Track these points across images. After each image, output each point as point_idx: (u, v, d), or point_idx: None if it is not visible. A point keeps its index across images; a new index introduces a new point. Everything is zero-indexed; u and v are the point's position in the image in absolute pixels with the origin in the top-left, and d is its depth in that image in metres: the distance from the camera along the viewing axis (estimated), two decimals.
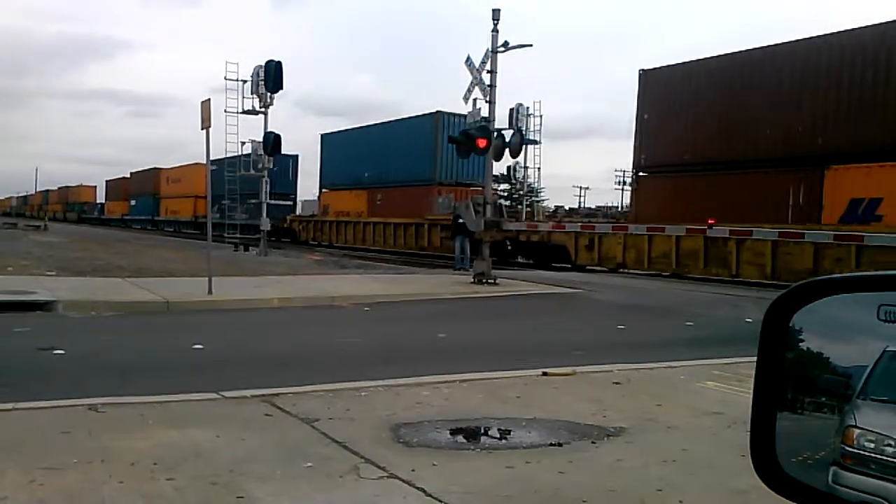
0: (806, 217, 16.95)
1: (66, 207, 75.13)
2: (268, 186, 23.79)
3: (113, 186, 66.71)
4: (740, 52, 19.19)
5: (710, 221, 18.43)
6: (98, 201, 71.37)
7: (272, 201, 26.15)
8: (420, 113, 25.77)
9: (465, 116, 17.50)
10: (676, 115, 20.30)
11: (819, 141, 16.98)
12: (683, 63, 20.50)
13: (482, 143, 15.48)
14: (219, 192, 31.14)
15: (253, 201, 26.19)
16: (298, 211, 37.39)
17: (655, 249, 19.33)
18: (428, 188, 26.14)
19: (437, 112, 26.19)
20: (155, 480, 3.71)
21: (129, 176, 60.63)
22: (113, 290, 12.24)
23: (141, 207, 55.01)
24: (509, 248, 22.48)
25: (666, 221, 18.80)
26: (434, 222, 25.27)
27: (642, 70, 21.70)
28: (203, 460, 4.03)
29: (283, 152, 25.00)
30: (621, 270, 20.40)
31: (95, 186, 73.59)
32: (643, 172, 22.01)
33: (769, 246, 16.58)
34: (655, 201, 20.78)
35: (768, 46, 18.35)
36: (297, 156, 35.95)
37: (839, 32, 17.13)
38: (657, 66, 21.47)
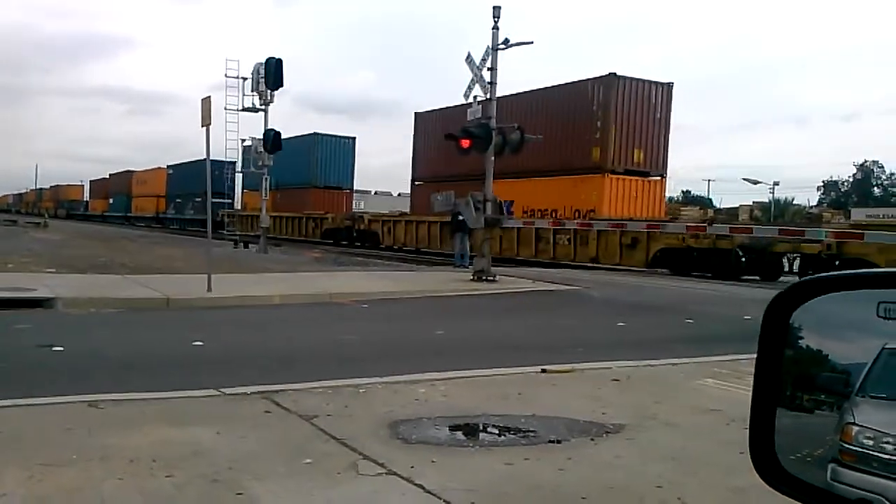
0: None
1: (57, 205, 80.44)
2: (224, 184, 33.69)
3: (95, 186, 75.77)
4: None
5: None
6: (84, 199, 79.99)
7: (214, 199, 31.39)
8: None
9: (334, 137, 27.07)
10: (432, 143, 27.11)
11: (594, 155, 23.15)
12: (441, 109, 28.00)
13: (483, 140, 15.49)
14: (175, 192, 50.38)
15: (198, 200, 42.06)
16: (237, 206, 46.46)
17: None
18: (306, 189, 38.59)
19: (314, 133, 38.25)
20: (154, 477, 3.71)
21: (108, 177, 70.31)
22: (113, 287, 12.23)
23: (117, 205, 63.88)
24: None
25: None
26: (309, 216, 36.55)
27: (416, 112, 31.73)
28: (203, 457, 4.03)
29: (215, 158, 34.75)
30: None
31: (83, 185, 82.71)
32: (417, 182, 31.60)
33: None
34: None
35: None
36: (234, 162, 40.39)
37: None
38: (427, 109, 30.97)
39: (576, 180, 23.26)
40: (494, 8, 15.55)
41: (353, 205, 41.09)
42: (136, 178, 61.03)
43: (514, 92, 22.28)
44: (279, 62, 23.66)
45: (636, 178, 23.36)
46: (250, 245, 26.81)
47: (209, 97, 12.03)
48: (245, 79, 24.88)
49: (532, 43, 15.99)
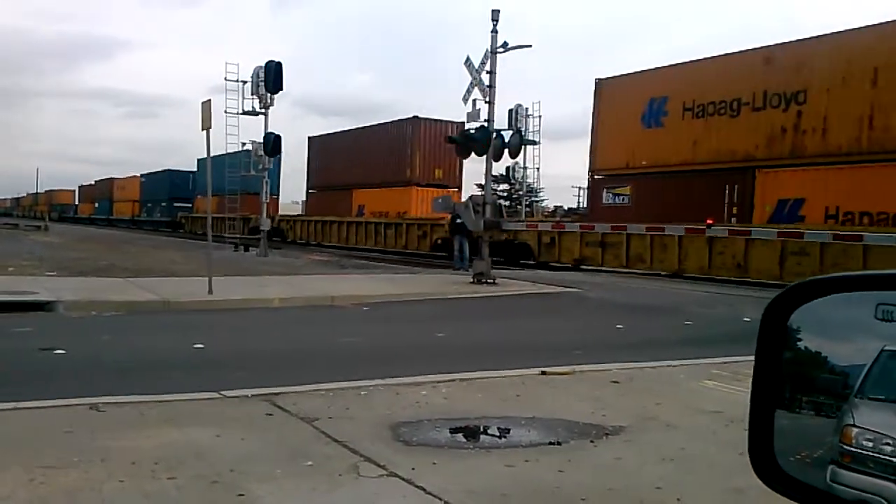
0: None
1: (50, 208, 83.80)
2: (202, 183, 34.59)
3: (84, 191, 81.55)
4: (367, 126, 34.74)
5: (708, 221, 18.57)
6: (75, 203, 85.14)
7: (177, 203, 49.83)
8: (373, 123, 36.89)
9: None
10: (334, 153, 35.89)
11: (406, 172, 31.54)
12: (343, 131, 36.99)
13: (482, 144, 15.52)
14: (146, 198, 57.79)
15: (163, 204, 52.13)
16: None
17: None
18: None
19: (250, 143, 40.97)
20: (156, 479, 3.71)
21: (94, 183, 76.58)
22: (114, 291, 12.24)
23: (101, 208, 70.62)
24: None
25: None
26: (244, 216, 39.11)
27: (310, 136, 38.86)
28: (204, 459, 4.04)
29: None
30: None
31: (73, 190, 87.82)
32: (312, 190, 38.91)
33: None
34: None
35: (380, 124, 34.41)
36: (194, 172, 49.17)
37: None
38: (318, 134, 38.01)
39: (393, 191, 31.97)
40: (493, 11, 15.58)
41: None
42: (116, 184, 67.69)
43: (353, 127, 35.78)
44: (279, 65, 23.66)
45: (438, 189, 29.83)
46: (250, 248, 26.84)
47: (209, 100, 12.03)
48: (245, 82, 24.91)
49: (531, 46, 16.04)
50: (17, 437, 4.41)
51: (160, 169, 55.83)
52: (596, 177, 23.05)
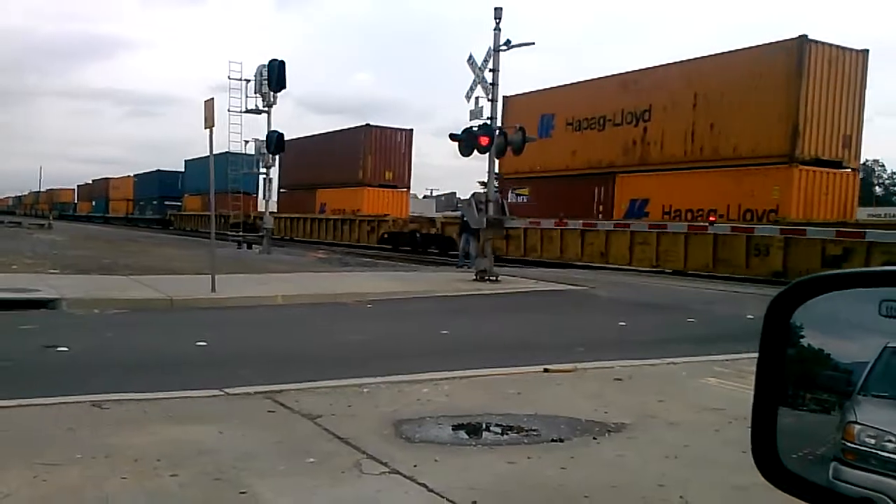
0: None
1: (51, 206, 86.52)
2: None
3: (83, 190, 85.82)
4: (328, 132, 38.84)
5: (711, 219, 18.70)
6: (74, 201, 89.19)
7: (167, 202, 54.50)
8: (354, 126, 39.07)
9: (246, 156, 28.88)
10: (301, 156, 37.56)
11: (359, 174, 35.88)
12: (309, 136, 39.78)
13: (484, 141, 15.50)
14: (139, 197, 62.26)
15: (154, 202, 57.18)
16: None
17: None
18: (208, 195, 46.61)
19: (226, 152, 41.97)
20: (158, 476, 3.72)
21: (91, 182, 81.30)
22: (117, 288, 12.26)
23: (98, 207, 74.75)
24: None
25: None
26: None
27: (288, 140, 37.67)
28: (206, 456, 4.04)
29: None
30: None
31: (73, 189, 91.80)
32: (283, 189, 41.23)
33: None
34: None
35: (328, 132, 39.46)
36: (182, 172, 53.28)
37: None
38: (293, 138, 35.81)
39: (348, 191, 36.41)
40: (496, 9, 15.55)
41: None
42: (111, 184, 72.07)
43: (311, 134, 39.74)
44: (282, 64, 23.65)
45: (388, 189, 36.16)
46: (254, 246, 26.90)
47: (212, 99, 12.05)
48: (248, 81, 24.93)
49: (533, 44, 16.03)
50: (19, 434, 4.42)
51: (152, 170, 60.15)
52: (504, 178, 25.89)
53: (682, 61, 20.92)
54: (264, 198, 25.08)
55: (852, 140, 19.47)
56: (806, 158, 18.61)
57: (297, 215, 39.05)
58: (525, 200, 25.87)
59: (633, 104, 22.11)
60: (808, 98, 18.29)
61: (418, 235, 30.08)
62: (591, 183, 23.43)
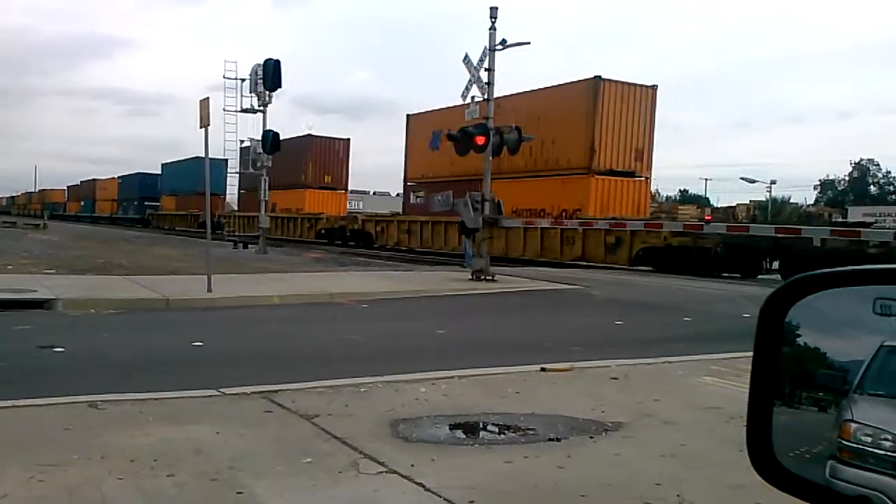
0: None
1: (43, 206, 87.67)
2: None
3: (72, 191, 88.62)
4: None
5: (707, 218, 18.88)
6: (65, 201, 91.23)
7: (147, 202, 58.91)
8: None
9: (218, 160, 30.52)
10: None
11: (302, 177, 41.68)
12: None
13: (480, 140, 15.50)
14: (123, 197, 66.64)
15: (135, 203, 61.36)
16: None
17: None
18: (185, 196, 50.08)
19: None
20: (155, 476, 3.71)
21: (80, 183, 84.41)
22: (113, 288, 12.23)
23: (86, 207, 77.40)
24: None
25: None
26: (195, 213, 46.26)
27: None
28: (203, 456, 4.04)
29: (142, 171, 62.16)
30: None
31: (64, 190, 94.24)
32: (410, 182, 38.12)
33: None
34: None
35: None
36: (160, 174, 58.12)
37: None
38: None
39: (294, 192, 41.11)
40: (491, 9, 15.55)
41: (351, 205, 49.45)
42: (98, 185, 75.19)
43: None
44: (277, 63, 23.64)
45: (327, 191, 42.13)
46: (250, 245, 26.87)
47: (207, 98, 12.05)
48: (243, 80, 24.92)
49: (529, 43, 16.10)
50: (15, 435, 4.41)
51: (134, 171, 64.97)
52: (407, 184, 32.76)
53: (530, 91, 26.06)
54: (262, 198, 24.91)
55: (644, 154, 25.04)
56: (601, 170, 24.27)
57: (251, 214, 40.49)
58: (421, 202, 30.66)
59: (499, 121, 25.28)
60: (602, 123, 23.94)
61: (347, 231, 34.80)
62: (466, 187, 26.03)
